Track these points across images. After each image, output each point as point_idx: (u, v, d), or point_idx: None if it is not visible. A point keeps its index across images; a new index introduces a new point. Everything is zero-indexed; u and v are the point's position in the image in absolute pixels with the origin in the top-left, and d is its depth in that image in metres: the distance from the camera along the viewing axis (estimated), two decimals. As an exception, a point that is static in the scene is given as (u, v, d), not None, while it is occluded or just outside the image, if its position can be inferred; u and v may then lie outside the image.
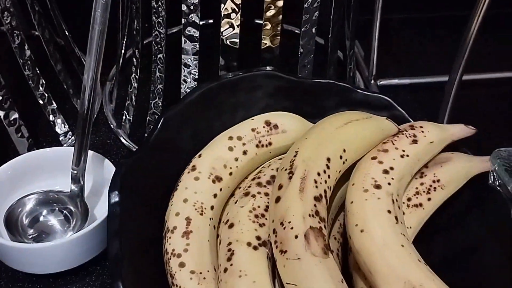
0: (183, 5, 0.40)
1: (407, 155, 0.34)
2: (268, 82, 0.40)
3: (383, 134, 0.35)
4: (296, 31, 0.62)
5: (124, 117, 0.51)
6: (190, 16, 0.41)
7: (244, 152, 0.37)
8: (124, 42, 0.52)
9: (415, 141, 0.34)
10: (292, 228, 0.29)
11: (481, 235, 0.34)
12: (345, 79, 0.54)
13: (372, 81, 0.60)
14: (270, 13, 0.41)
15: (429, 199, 0.35)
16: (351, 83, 0.45)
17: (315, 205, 0.30)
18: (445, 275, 0.30)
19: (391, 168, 0.33)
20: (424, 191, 0.35)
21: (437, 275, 0.29)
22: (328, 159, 0.32)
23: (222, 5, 0.40)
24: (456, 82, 0.42)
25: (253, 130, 0.38)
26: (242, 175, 0.37)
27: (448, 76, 0.43)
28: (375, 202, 0.31)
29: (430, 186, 0.35)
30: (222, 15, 0.40)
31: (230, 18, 0.41)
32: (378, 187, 0.32)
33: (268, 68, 0.41)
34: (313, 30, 0.43)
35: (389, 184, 0.32)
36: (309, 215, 0.29)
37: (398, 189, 0.32)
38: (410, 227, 0.34)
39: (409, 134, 0.35)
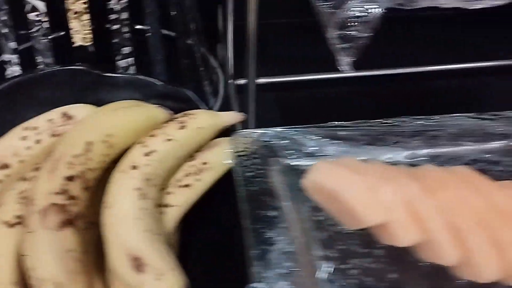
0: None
1: (172, 139, 0.36)
2: (77, 78, 0.43)
3: (153, 121, 0.37)
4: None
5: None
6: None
7: (37, 141, 0.39)
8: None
9: (183, 127, 0.37)
10: (35, 204, 0.31)
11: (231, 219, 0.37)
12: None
13: (230, 81, 0.63)
14: (73, 15, 0.43)
15: (197, 180, 0.37)
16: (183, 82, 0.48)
17: (65, 185, 0.32)
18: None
19: (153, 151, 0.35)
20: (193, 173, 0.37)
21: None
22: (90, 143, 0.35)
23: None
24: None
25: (49, 120, 0.40)
26: (36, 163, 0.39)
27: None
28: (126, 181, 0.33)
29: (199, 168, 0.37)
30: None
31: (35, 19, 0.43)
32: (135, 168, 0.34)
33: (77, 64, 0.44)
34: (124, 29, 0.46)
35: (147, 165, 0.34)
36: (55, 193, 0.32)
37: (158, 170, 0.35)
38: (178, 206, 0.36)
39: (179, 120, 0.37)
